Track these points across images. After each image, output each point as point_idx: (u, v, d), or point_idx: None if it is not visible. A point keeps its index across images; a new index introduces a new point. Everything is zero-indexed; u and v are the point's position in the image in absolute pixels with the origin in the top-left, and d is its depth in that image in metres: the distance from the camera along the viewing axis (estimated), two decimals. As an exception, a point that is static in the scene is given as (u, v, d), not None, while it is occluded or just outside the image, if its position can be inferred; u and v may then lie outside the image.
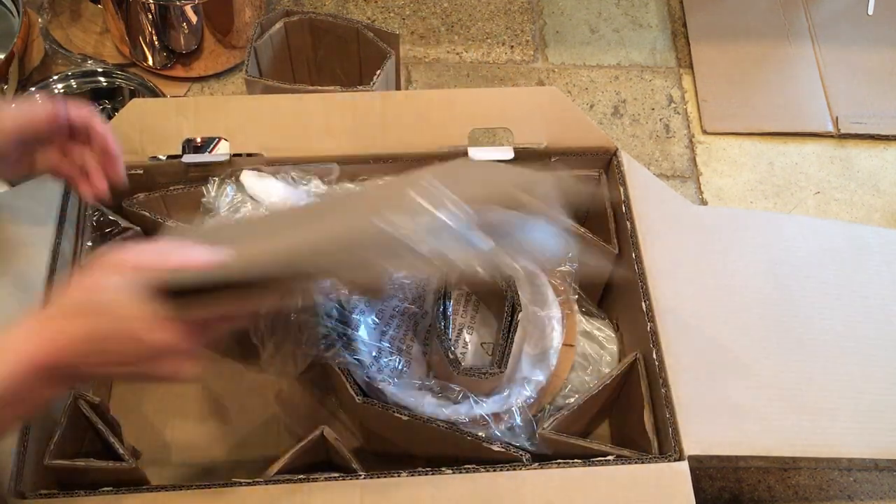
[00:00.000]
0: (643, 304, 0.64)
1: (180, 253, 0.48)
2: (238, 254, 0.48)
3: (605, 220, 0.71)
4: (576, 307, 0.71)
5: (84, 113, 0.59)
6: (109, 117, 0.81)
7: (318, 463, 0.65)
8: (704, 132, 1.04)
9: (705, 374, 0.61)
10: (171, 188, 0.72)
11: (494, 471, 0.56)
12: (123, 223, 0.71)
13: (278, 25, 0.87)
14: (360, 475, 0.56)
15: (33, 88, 0.95)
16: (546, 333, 0.68)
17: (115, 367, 0.47)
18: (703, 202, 0.98)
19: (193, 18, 0.97)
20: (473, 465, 0.56)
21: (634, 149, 1.02)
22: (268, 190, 0.70)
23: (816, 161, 1.02)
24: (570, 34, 1.13)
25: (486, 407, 0.63)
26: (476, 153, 0.72)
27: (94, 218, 0.70)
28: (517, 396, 0.64)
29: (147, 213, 0.71)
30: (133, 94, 0.98)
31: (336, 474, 0.58)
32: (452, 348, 0.65)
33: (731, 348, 0.63)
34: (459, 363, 0.64)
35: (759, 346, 0.64)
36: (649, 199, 0.70)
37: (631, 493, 0.55)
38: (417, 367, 0.69)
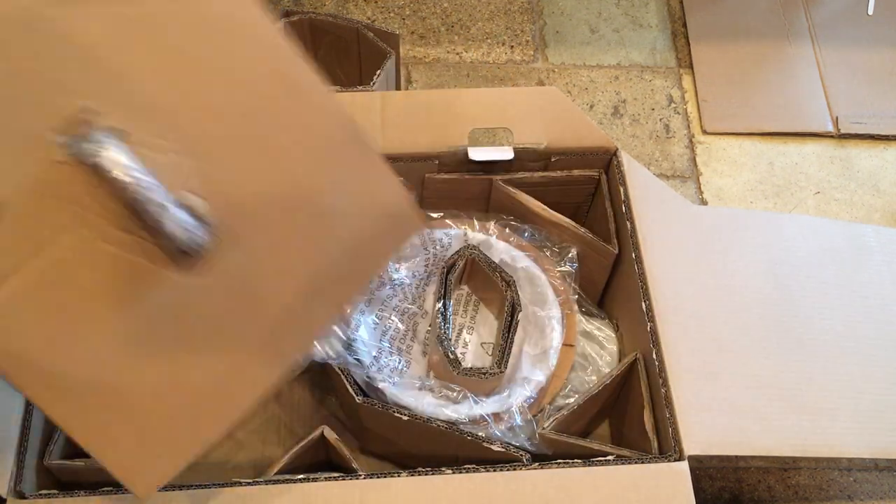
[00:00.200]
0: (643, 304, 0.64)
1: None
2: None
3: (605, 220, 0.71)
4: (576, 307, 0.71)
5: None
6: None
7: (318, 463, 0.65)
8: (704, 132, 1.04)
9: (705, 374, 0.61)
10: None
11: (494, 471, 0.56)
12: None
13: (278, 25, 0.87)
14: (360, 475, 0.56)
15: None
16: (546, 333, 0.68)
17: None
18: (703, 202, 0.98)
19: (193, 18, 0.97)
20: (473, 465, 0.56)
21: (634, 149, 1.02)
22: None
23: (816, 161, 1.02)
24: (570, 34, 1.13)
25: (486, 407, 0.63)
26: (476, 153, 0.72)
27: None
28: (517, 396, 0.64)
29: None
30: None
31: (336, 474, 0.57)
32: (452, 348, 0.65)
33: (731, 348, 0.63)
34: (459, 363, 0.64)
35: (759, 346, 0.64)
36: (649, 199, 0.70)
37: (631, 493, 0.55)
38: (417, 367, 0.69)
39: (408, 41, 1.10)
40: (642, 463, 0.57)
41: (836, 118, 1.04)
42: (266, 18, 0.46)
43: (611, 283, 0.74)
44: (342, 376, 0.63)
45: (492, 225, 0.74)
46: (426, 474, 0.55)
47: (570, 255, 0.72)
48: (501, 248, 0.72)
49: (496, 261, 0.70)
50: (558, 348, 0.67)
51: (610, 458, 0.58)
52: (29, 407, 0.58)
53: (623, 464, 0.57)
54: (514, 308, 0.67)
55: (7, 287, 0.43)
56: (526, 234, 0.73)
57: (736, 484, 0.79)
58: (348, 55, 0.91)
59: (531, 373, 0.66)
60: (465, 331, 0.73)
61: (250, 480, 0.55)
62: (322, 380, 0.74)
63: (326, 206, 0.50)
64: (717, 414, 0.60)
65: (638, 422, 0.63)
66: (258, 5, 0.46)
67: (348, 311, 0.64)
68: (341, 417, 0.73)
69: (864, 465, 0.80)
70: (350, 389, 0.62)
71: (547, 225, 0.73)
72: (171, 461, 0.48)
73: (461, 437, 0.61)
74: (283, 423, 0.73)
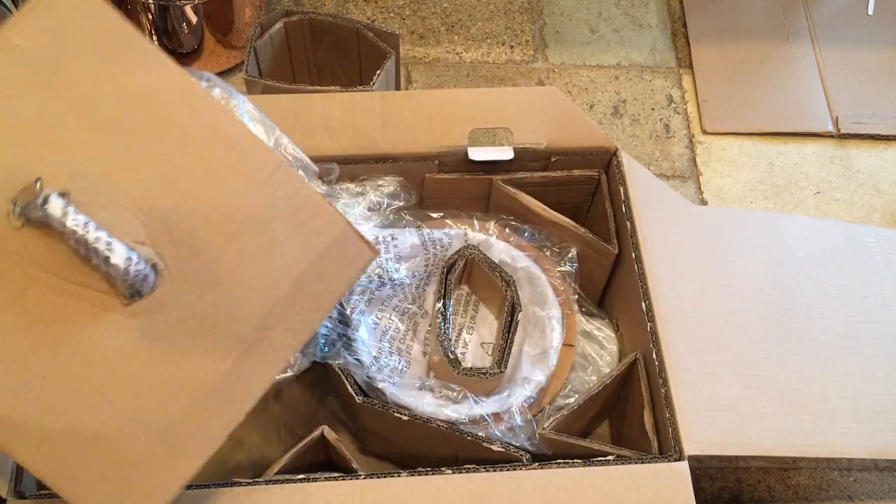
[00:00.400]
0: (643, 304, 0.64)
1: None
2: None
3: (605, 220, 0.72)
4: (576, 307, 0.71)
5: None
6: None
7: (318, 463, 0.65)
8: (704, 132, 1.04)
9: (705, 374, 0.61)
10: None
11: (494, 471, 0.56)
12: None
13: (278, 25, 0.87)
14: (360, 475, 0.56)
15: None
16: (546, 333, 0.68)
17: None
18: (703, 202, 0.98)
19: (193, 18, 0.97)
20: (473, 465, 0.56)
21: (634, 149, 1.02)
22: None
23: (816, 161, 1.02)
24: (570, 34, 1.13)
25: (486, 407, 0.63)
26: (476, 153, 0.72)
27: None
28: (517, 396, 0.64)
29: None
30: (133, 94, 0.98)
31: (336, 474, 0.58)
32: (452, 348, 0.65)
33: (731, 348, 0.63)
34: (459, 363, 0.64)
35: (759, 346, 0.64)
36: (649, 199, 0.70)
37: (631, 493, 0.55)
38: (417, 367, 0.69)
39: (408, 41, 1.10)
40: (642, 463, 0.57)
41: (836, 118, 1.04)
42: (184, 76, 0.52)
43: (611, 283, 0.74)
44: (342, 376, 0.63)
45: (492, 225, 0.74)
46: (426, 474, 0.55)
47: (570, 255, 0.72)
48: (501, 248, 0.72)
49: (496, 261, 0.70)
50: (558, 348, 0.67)
51: (610, 458, 0.58)
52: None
53: (623, 464, 0.57)
54: (514, 308, 0.67)
55: None
56: (526, 234, 0.73)
57: (736, 484, 0.79)
58: (348, 55, 0.91)
59: (531, 373, 0.66)
60: (465, 331, 0.73)
61: (250, 480, 0.55)
62: (322, 380, 0.74)
63: (270, 232, 0.52)
64: (716, 414, 0.60)
65: (638, 422, 0.63)
66: (177, 69, 0.52)
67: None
68: (341, 417, 0.73)
69: (864, 465, 0.80)
70: (350, 389, 0.62)
71: (547, 225, 0.73)
72: (149, 500, 0.49)
73: (461, 437, 0.61)
74: (283, 423, 0.73)
